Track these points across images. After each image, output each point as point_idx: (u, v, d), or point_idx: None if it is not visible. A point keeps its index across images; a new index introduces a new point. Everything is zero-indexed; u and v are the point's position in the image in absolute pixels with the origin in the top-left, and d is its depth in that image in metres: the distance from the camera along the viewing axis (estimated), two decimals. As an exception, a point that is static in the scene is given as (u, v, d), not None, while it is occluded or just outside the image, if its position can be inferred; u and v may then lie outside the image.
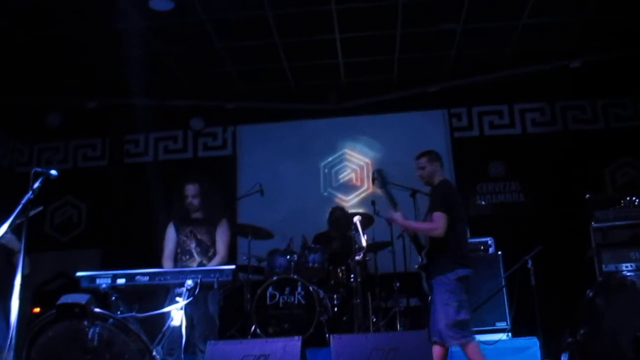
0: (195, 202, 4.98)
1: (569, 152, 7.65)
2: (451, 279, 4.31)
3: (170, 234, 5.02)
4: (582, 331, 5.36)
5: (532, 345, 5.23)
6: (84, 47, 6.90)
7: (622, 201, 6.14)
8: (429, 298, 4.52)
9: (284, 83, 8.10)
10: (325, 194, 8.23)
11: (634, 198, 6.09)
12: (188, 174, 5.44)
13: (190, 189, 4.98)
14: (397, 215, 4.59)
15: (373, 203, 6.70)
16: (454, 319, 4.20)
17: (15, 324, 2.92)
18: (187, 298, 3.34)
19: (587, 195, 6.27)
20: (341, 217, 6.78)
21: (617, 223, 6.01)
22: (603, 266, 5.89)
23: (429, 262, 4.51)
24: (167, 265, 4.89)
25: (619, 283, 5.53)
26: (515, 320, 5.76)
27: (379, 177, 4.82)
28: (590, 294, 5.40)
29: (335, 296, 6.09)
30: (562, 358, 5.02)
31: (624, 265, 5.81)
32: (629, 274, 5.71)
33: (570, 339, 5.39)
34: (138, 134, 8.60)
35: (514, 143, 8.01)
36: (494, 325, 5.67)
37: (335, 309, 6.03)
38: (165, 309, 3.41)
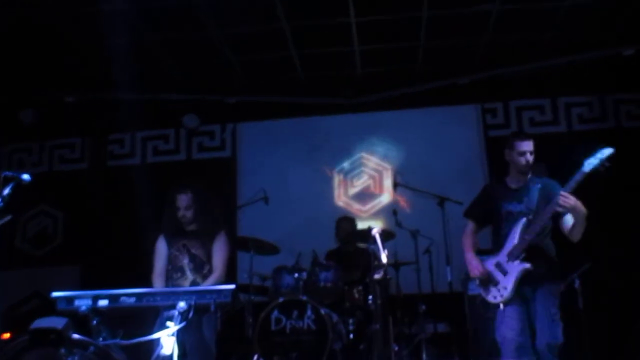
0: (189, 214, 4.99)
1: (623, 152, 7.51)
2: (560, 290, 4.15)
3: (161, 248, 5.02)
4: (639, 363, 5.32)
5: (581, 378, 5.18)
6: (61, 33, 6.90)
7: (686, 210, 6.10)
8: (495, 307, 4.21)
9: (291, 74, 8.10)
10: (340, 203, 8.22)
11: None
12: (180, 180, 5.46)
13: (182, 200, 4.98)
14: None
15: (395, 213, 6.70)
16: (559, 341, 4.04)
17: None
18: (180, 322, 3.33)
19: (645, 204, 6.23)
20: (350, 229, 6.78)
21: (681, 236, 5.98)
22: (664, 287, 5.86)
23: (537, 266, 4.16)
24: (158, 285, 4.89)
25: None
26: (561, 348, 5.70)
27: None
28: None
29: (350, 321, 6.07)
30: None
31: (688, 286, 5.77)
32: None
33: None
34: (123, 133, 8.65)
35: (558, 142, 7.94)
36: (537, 354, 5.61)
37: (351, 335, 6.00)
38: (155, 335, 3.41)
